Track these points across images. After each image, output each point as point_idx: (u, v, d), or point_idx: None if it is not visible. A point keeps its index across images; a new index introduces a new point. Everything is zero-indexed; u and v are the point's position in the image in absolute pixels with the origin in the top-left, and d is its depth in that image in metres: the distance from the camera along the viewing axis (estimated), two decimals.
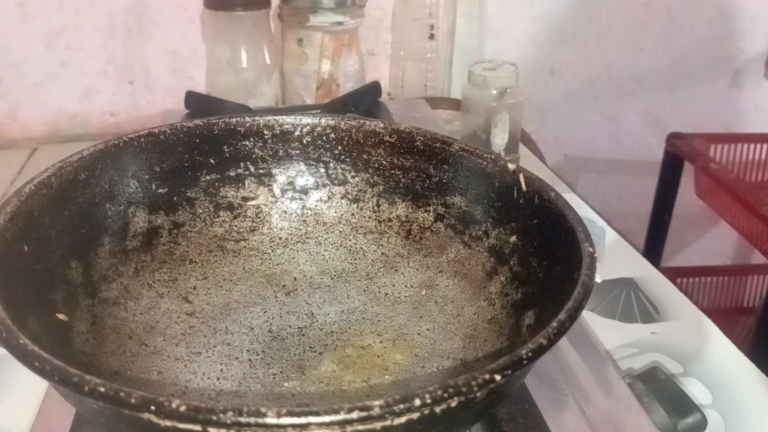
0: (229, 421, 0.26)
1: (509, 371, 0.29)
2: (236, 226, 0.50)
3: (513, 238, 0.44)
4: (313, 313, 0.46)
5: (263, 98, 0.85)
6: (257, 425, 0.26)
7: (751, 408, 0.47)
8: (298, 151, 0.50)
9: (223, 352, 0.42)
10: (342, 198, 0.51)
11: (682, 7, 1.03)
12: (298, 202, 0.51)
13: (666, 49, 1.06)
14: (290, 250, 0.50)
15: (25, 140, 0.88)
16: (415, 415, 0.27)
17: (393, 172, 0.50)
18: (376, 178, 0.50)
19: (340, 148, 0.50)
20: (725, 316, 1.16)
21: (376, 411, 0.26)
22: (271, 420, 0.26)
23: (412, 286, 0.48)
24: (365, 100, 0.80)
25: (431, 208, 0.49)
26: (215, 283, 0.47)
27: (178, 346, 0.42)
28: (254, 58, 0.84)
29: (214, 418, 0.26)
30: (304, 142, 0.50)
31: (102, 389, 0.27)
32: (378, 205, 0.50)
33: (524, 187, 0.43)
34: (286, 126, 0.50)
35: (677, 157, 1.03)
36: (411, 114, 0.83)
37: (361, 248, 0.50)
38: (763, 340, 0.96)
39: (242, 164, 0.50)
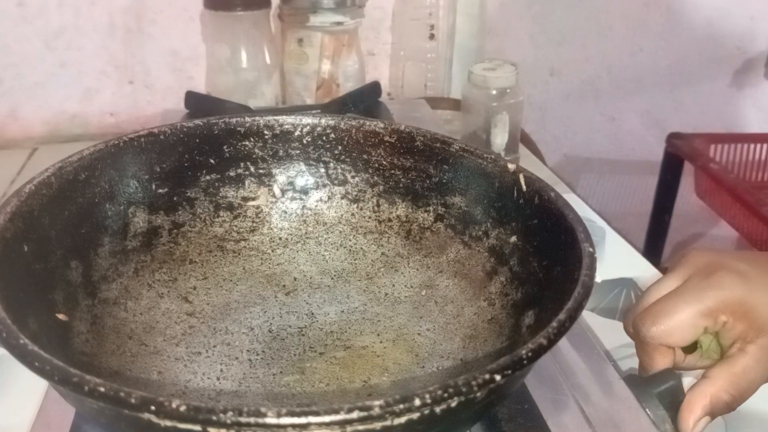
0: (229, 421, 0.26)
1: (509, 371, 0.29)
2: (236, 226, 0.50)
3: (513, 238, 0.44)
4: (313, 313, 0.46)
5: (263, 98, 0.85)
6: (257, 425, 0.26)
7: (751, 408, 0.47)
8: (298, 151, 0.50)
9: (223, 352, 0.42)
10: (342, 198, 0.51)
11: (682, 7, 1.03)
12: (298, 202, 0.51)
13: (666, 49, 1.06)
14: (290, 250, 0.50)
15: (25, 140, 0.88)
16: (415, 415, 0.27)
17: (393, 172, 0.50)
18: (376, 178, 0.50)
19: (340, 148, 0.50)
20: None
21: (376, 411, 0.26)
22: (271, 420, 0.26)
23: (412, 286, 0.47)
24: (365, 100, 0.80)
25: (431, 208, 0.49)
26: (215, 283, 0.47)
27: (178, 346, 0.42)
28: (254, 58, 0.84)
29: (214, 418, 0.26)
30: (304, 142, 0.50)
31: (102, 389, 0.27)
32: (378, 205, 0.50)
33: (524, 187, 0.43)
34: (286, 126, 0.50)
35: (677, 157, 1.03)
36: (411, 114, 0.83)
37: (361, 248, 0.50)
38: None
39: (242, 164, 0.50)
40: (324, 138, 0.50)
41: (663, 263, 1.12)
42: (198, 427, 0.26)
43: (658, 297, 0.43)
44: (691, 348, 0.44)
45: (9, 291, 0.34)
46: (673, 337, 0.42)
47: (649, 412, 0.42)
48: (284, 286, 0.48)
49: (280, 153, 0.50)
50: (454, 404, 0.28)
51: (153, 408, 0.26)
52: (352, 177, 0.50)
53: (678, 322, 0.41)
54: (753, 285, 0.41)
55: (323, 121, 0.50)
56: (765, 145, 1.06)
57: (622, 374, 0.46)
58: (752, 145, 1.06)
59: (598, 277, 0.58)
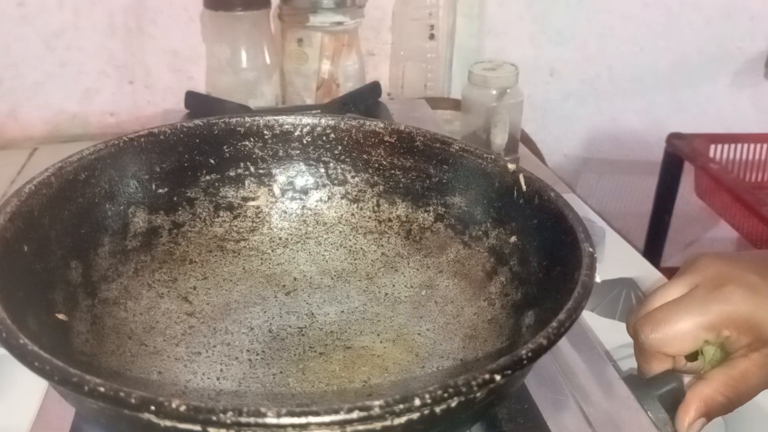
0: (229, 421, 0.26)
1: (509, 371, 0.29)
2: (236, 226, 0.50)
3: (513, 238, 0.44)
4: (313, 313, 0.46)
5: (263, 98, 0.85)
6: (257, 425, 0.26)
7: (751, 408, 0.47)
8: (298, 151, 0.50)
9: (223, 352, 0.42)
10: (342, 198, 0.51)
11: (682, 7, 1.03)
12: (298, 202, 0.51)
13: (666, 49, 1.06)
14: (290, 250, 0.50)
15: (25, 140, 0.88)
16: (415, 415, 0.27)
17: (393, 172, 0.50)
18: (376, 178, 0.50)
19: (340, 148, 0.50)
20: None
21: (376, 411, 0.26)
22: (271, 420, 0.26)
23: (412, 286, 0.47)
24: (365, 100, 0.80)
25: (431, 208, 0.49)
26: (215, 283, 0.47)
27: (178, 346, 0.42)
28: (254, 58, 0.84)
29: (214, 418, 0.26)
30: (304, 142, 0.50)
31: (102, 389, 0.27)
32: (378, 205, 0.50)
33: (524, 187, 0.43)
34: (286, 126, 0.50)
35: (677, 157, 1.03)
36: (411, 114, 0.83)
37: (361, 248, 0.50)
38: None
39: (242, 164, 0.50)
40: (324, 138, 0.50)
41: (663, 263, 1.12)
42: (198, 427, 0.26)
43: (662, 302, 0.42)
44: (692, 356, 0.43)
45: (9, 291, 0.34)
46: (671, 346, 0.41)
47: (650, 415, 0.42)
48: (284, 286, 0.48)
49: (280, 153, 0.50)
50: (454, 404, 0.28)
51: (153, 408, 0.26)
52: (352, 177, 0.50)
53: (677, 333, 0.41)
54: (762, 299, 0.40)
55: (323, 121, 0.50)
56: (765, 145, 1.06)
57: (622, 374, 0.46)
58: (752, 145, 1.05)
59: (598, 277, 0.58)
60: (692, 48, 1.07)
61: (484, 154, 0.46)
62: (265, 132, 0.50)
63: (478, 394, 0.28)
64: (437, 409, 0.28)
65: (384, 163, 0.50)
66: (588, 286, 0.34)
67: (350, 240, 0.50)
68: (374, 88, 0.83)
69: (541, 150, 0.97)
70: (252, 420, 0.26)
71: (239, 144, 0.49)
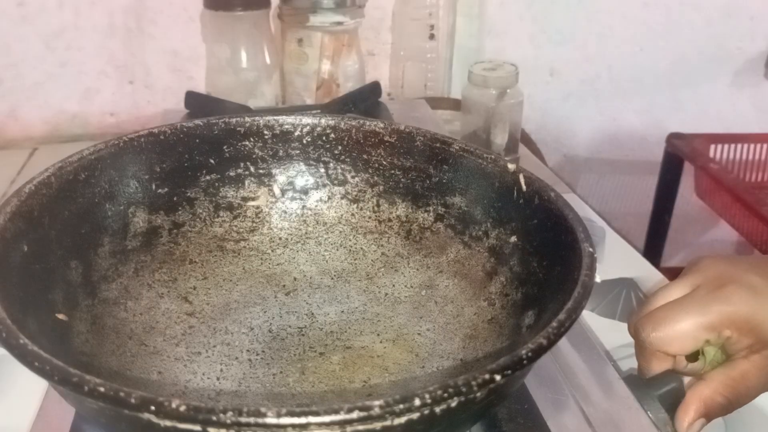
0: (228, 421, 0.26)
1: (509, 371, 0.29)
2: (236, 226, 0.50)
3: (513, 238, 0.44)
4: (313, 313, 0.46)
5: (263, 98, 0.85)
6: (257, 425, 0.26)
7: (751, 409, 0.47)
8: (298, 151, 0.50)
9: (223, 352, 0.42)
10: (342, 198, 0.51)
11: (682, 7, 1.03)
12: (298, 202, 0.51)
13: (666, 49, 1.06)
14: (290, 250, 0.50)
15: (25, 140, 0.88)
16: (415, 415, 0.27)
17: (393, 172, 0.50)
18: (376, 178, 0.50)
19: (340, 148, 0.50)
20: None
21: (376, 411, 0.26)
22: (271, 420, 0.26)
23: (412, 286, 0.47)
24: (365, 100, 0.80)
25: (431, 208, 0.49)
26: (215, 283, 0.47)
27: (178, 346, 0.42)
28: (254, 58, 0.84)
29: (214, 418, 0.26)
30: (304, 142, 0.50)
31: (102, 389, 0.27)
32: (378, 205, 0.50)
33: (524, 187, 0.43)
34: (286, 126, 0.50)
35: (677, 157, 1.03)
36: (411, 114, 0.83)
37: (361, 248, 0.50)
38: None
39: (242, 164, 0.50)
40: (324, 138, 0.50)
41: (663, 263, 1.12)
42: (198, 427, 0.26)
43: (664, 303, 0.43)
44: (693, 356, 0.43)
45: (9, 291, 0.34)
46: (671, 345, 0.41)
47: (650, 415, 0.42)
48: (284, 286, 0.48)
49: (280, 153, 0.50)
50: (454, 404, 0.28)
51: (153, 408, 0.26)
52: (352, 177, 0.50)
53: (678, 332, 0.41)
54: (763, 301, 0.40)
55: (323, 121, 0.50)
56: (765, 145, 1.06)
57: (622, 374, 0.46)
58: (752, 145, 1.05)
59: (598, 277, 0.58)
60: (692, 48, 1.07)
61: (484, 154, 0.46)
62: (265, 132, 0.50)
63: (478, 394, 0.28)
64: (437, 409, 0.28)
65: (384, 163, 0.50)
66: (588, 286, 0.34)
67: (350, 240, 0.50)
68: (374, 88, 0.83)
69: (541, 150, 0.97)
70: (252, 420, 0.26)
71: (239, 144, 0.49)
